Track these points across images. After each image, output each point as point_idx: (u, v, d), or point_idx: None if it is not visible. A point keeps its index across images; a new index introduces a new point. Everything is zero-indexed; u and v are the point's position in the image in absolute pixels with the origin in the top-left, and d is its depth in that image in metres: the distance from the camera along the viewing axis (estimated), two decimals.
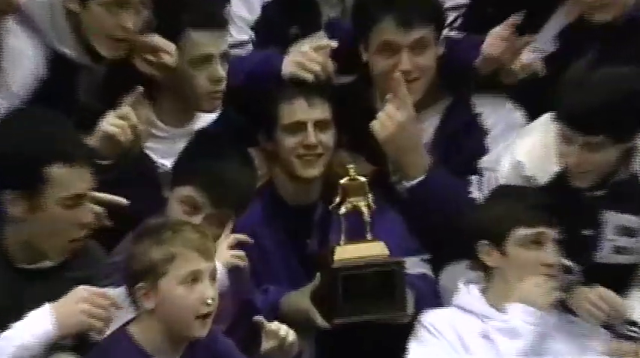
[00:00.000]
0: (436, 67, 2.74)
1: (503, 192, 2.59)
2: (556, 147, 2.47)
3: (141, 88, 2.44)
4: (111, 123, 2.36)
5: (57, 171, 2.07)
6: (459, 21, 2.89)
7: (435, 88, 2.78)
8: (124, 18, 2.43)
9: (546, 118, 2.57)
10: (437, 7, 2.78)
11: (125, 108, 2.39)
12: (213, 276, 2.06)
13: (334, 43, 2.71)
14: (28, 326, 2.00)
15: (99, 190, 2.26)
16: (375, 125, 2.64)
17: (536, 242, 2.45)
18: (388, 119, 2.63)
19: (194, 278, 2.02)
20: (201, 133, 2.63)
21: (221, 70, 2.58)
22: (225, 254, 2.33)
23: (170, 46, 2.51)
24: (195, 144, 2.57)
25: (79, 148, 2.17)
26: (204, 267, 2.03)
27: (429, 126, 2.81)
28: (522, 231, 2.43)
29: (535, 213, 2.47)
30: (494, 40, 2.67)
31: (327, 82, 2.72)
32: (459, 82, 2.81)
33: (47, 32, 2.47)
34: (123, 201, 2.34)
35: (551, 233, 2.45)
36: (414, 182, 2.68)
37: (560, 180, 2.53)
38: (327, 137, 2.68)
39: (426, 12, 2.71)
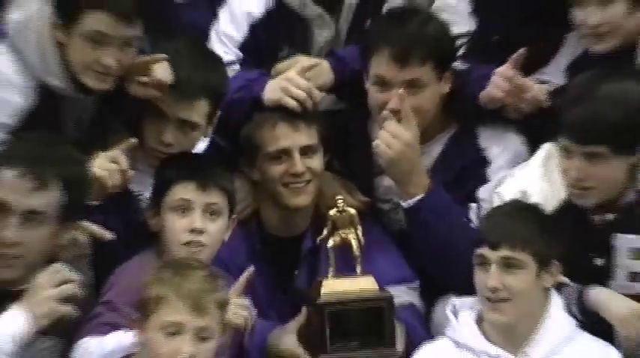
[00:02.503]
0: (441, 100, 2.72)
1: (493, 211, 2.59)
2: (560, 164, 2.50)
3: (135, 140, 2.49)
4: (101, 166, 2.38)
5: None
6: (462, 50, 2.87)
7: (440, 119, 2.77)
8: (105, 54, 2.43)
9: (549, 146, 2.59)
10: (439, 46, 2.70)
11: (116, 152, 2.43)
12: (202, 337, 2.04)
13: (316, 60, 2.73)
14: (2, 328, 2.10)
15: None
16: (380, 146, 2.59)
17: (480, 264, 2.43)
18: (393, 138, 2.58)
19: (175, 330, 2.00)
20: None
21: (169, 136, 2.58)
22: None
23: (160, 56, 2.51)
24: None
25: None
26: (188, 323, 2.00)
27: (430, 155, 2.78)
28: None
29: (484, 234, 2.45)
30: (499, 80, 2.64)
31: (312, 108, 2.70)
32: (466, 114, 2.80)
33: (34, 61, 2.47)
34: (108, 235, 2.39)
35: (494, 256, 2.40)
36: (415, 200, 2.63)
37: (568, 205, 2.53)
38: (315, 162, 2.66)
39: (424, 50, 2.64)
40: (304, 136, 2.66)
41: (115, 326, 2.28)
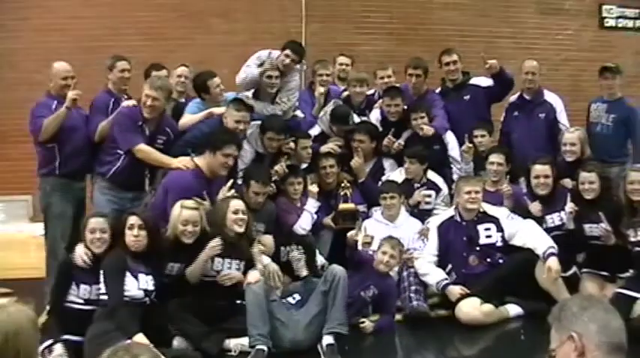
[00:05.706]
0: (372, 150, 7.83)
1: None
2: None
3: (284, 159, 7.55)
4: (277, 168, 7.14)
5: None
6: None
7: (372, 155, 7.72)
8: (274, 142, 7.40)
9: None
10: (371, 132, 7.80)
11: (282, 162, 7.20)
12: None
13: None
14: None
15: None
16: (353, 164, 7.83)
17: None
18: (355, 161, 7.75)
19: None
20: None
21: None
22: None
23: (291, 140, 7.60)
24: None
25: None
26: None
27: (367, 167, 7.63)
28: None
29: (383, 188, 7.39)
30: (387, 140, 7.84)
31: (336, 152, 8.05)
32: (380, 153, 7.79)
33: (254, 143, 7.31)
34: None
35: (389, 200, 7.31)
36: (362, 180, 7.76)
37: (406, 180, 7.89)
38: (334, 169, 7.50)
39: (364, 132, 7.70)
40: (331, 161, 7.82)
41: None
